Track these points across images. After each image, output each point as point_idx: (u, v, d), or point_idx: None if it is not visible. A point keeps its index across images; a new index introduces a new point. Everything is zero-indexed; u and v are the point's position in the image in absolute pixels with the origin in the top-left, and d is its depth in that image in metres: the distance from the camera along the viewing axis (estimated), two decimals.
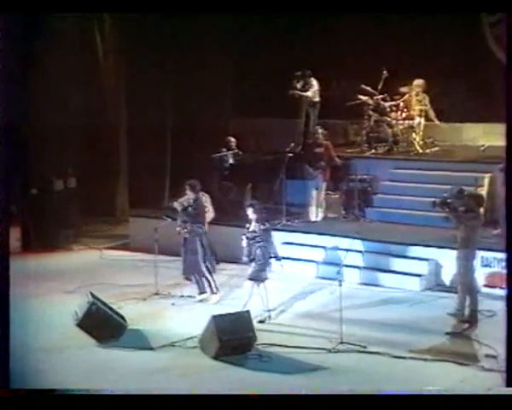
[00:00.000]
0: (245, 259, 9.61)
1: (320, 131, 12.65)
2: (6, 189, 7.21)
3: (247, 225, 9.63)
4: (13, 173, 7.42)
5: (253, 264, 9.53)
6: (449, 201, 9.57)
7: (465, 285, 9.45)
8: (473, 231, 9.38)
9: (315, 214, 12.52)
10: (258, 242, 9.47)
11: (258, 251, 9.46)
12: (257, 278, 9.54)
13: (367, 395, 7.09)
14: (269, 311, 9.56)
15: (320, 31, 14.58)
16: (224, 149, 13.24)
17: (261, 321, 9.38)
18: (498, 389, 7.39)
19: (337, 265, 9.39)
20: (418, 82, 13.30)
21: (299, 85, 13.80)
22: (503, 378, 7.75)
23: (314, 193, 12.48)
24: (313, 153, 12.52)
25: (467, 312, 9.46)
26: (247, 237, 9.54)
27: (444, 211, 9.69)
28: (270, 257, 9.59)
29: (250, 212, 9.61)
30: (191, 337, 8.96)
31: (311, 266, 11.50)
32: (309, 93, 13.74)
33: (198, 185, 10.43)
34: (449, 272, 10.49)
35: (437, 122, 13.25)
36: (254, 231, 9.51)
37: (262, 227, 9.53)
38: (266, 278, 9.61)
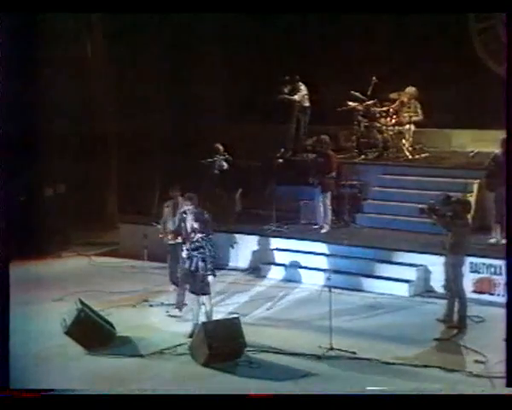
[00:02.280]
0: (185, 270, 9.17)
1: (327, 140, 12.41)
2: (6, 195, 7.20)
3: (192, 235, 9.10)
4: (10, 179, 7.43)
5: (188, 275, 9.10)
6: (437, 207, 9.61)
7: (454, 291, 9.48)
8: (461, 238, 9.41)
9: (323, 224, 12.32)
10: (201, 253, 9.02)
11: (200, 263, 9.01)
12: (199, 291, 9.06)
13: (365, 395, 7.11)
14: (197, 324, 9.02)
15: (311, 36, 14.62)
16: (214, 155, 13.23)
17: (191, 336, 9.00)
18: (499, 390, 7.42)
19: (327, 271, 9.39)
20: (410, 90, 13.34)
21: (286, 90, 13.79)
22: (492, 384, 7.80)
23: (321, 203, 12.28)
24: (318, 163, 12.31)
25: (455, 318, 9.48)
26: (189, 248, 9.06)
27: (431, 218, 9.72)
28: (213, 269, 9.11)
29: (193, 221, 9.11)
30: (181, 344, 8.94)
31: (300, 272, 11.50)
32: (296, 97, 13.74)
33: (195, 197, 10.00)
34: (438, 278, 10.50)
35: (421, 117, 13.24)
36: (198, 241, 9.05)
37: (205, 237, 9.06)
38: (209, 292, 9.12)
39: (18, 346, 7.79)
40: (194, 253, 9.05)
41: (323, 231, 12.19)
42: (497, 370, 7.91)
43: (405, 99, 13.38)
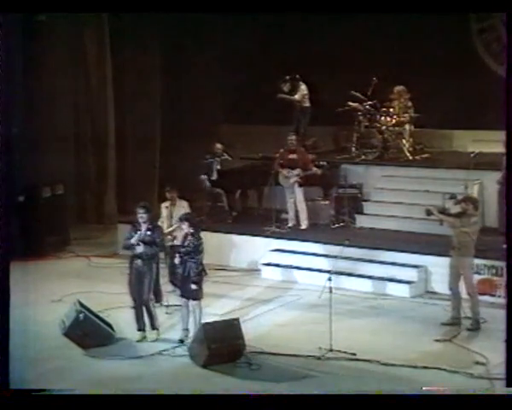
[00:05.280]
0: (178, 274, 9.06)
1: (293, 137, 12.53)
2: (5, 196, 7.17)
3: (183, 240, 9.02)
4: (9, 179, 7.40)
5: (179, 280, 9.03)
6: (445, 207, 9.55)
7: (456, 293, 9.45)
8: (472, 236, 9.30)
9: (294, 221, 12.40)
10: (193, 257, 8.90)
11: (193, 267, 8.88)
12: (192, 295, 8.96)
13: (365, 395, 7.07)
14: (187, 329, 9.05)
15: (311, 36, 14.59)
16: (213, 156, 13.20)
17: (181, 341, 8.98)
18: (499, 390, 7.39)
19: (327, 272, 9.35)
20: (398, 88, 13.33)
21: (286, 89, 13.75)
22: (492, 385, 7.76)
23: (291, 200, 12.37)
24: (287, 160, 12.39)
25: (456, 319, 9.46)
26: (180, 252, 8.94)
27: (439, 218, 9.64)
28: (204, 272, 9.04)
29: (186, 226, 9.00)
30: (180, 345, 8.92)
31: (300, 274, 11.47)
32: (296, 96, 13.69)
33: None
34: (438, 279, 10.47)
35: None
36: (189, 246, 8.93)
37: (196, 241, 8.95)
38: (201, 297, 9.01)
39: (18, 346, 7.74)
40: (186, 257, 8.96)
41: (302, 227, 12.22)
42: (497, 371, 7.87)
43: (403, 98, 13.36)
